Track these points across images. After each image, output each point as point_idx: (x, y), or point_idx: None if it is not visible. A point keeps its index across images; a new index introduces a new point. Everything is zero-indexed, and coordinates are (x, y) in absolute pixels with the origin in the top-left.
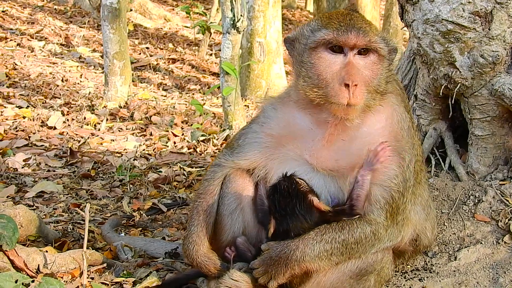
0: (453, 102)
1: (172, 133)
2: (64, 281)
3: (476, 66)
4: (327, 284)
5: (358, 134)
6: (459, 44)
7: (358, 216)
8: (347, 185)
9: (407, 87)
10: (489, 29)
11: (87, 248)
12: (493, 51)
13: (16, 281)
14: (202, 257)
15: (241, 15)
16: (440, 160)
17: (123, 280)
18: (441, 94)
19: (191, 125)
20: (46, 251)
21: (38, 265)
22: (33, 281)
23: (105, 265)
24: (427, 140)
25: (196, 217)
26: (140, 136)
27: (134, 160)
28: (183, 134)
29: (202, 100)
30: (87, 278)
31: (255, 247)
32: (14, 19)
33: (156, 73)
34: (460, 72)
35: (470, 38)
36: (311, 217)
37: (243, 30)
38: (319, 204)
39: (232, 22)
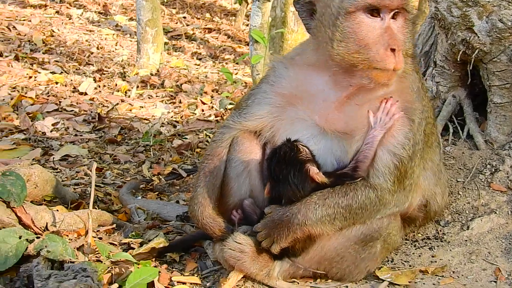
0: (471, 68)
1: (201, 101)
2: (69, 239)
3: (495, 31)
4: (331, 249)
5: (371, 97)
6: (477, 8)
7: (361, 179)
8: (353, 148)
9: (427, 53)
10: None
11: (98, 208)
12: None
13: (20, 237)
14: (207, 219)
15: None
16: (458, 128)
17: (131, 241)
18: (459, 60)
19: (221, 93)
20: (57, 210)
21: (46, 223)
22: (38, 238)
23: (114, 225)
24: (446, 108)
25: (202, 178)
26: (170, 103)
27: (161, 126)
28: (211, 102)
29: (235, 69)
30: (95, 238)
31: (261, 210)
32: None
33: (191, 43)
34: (478, 37)
35: (488, 1)
36: (303, 187)
37: None
38: (315, 175)
39: None
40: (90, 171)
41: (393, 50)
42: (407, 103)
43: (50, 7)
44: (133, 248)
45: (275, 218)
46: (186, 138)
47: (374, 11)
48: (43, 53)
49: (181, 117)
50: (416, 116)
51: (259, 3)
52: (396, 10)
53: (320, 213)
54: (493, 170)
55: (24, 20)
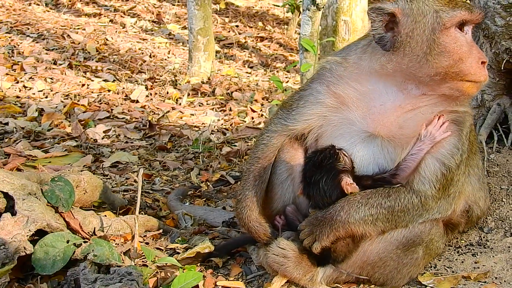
0: None
1: (251, 108)
2: (115, 244)
3: None
4: (373, 254)
5: (420, 115)
6: None
7: (399, 184)
8: (400, 155)
9: None
10: None
11: (146, 214)
12: None
13: (67, 241)
14: (253, 222)
15: None
16: (503, 135)
17: (177, 247)
18: (503, 68)
19: (271, 101)
20: (105, 215)
21: (94, 228)
22: (85, 242)
23: (161, 231)
24: (490, 116)
25: (251, 181)
26: (220, 111)
27: (210, 134)
28: (261, 110)
29: (285, 77)
30: (142, 242)
31: (305, 216)
32: None
33: (243, 51)
34: None
35: None
36: (331, 194)
37: (323, 7)
38: (346, 185)
39: None
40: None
41: (483, 63)
42: (457, 113)
43: (104, 16)
44: (179, 253)
45: (319, 215)
46: (235, 146)
47: (461, 25)
48: (97, 61)
49: (230, 125)
50: (465, 126)
51: (309, 12)
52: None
53: (362, 212)
54: None
55: (78, 28)
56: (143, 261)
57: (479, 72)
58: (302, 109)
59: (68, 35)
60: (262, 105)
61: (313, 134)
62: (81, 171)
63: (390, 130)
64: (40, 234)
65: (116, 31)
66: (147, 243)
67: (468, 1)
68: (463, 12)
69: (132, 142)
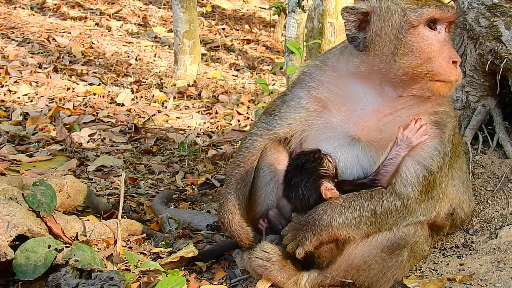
0: (501, 78)
1: (237, 111)
2: (98, 249)
3: None
4: (358, 257)
5: (398, 119)
6: (505, 18)
7: (387, 186)
8: (380, 160)
9: None
10: None
11: (131, 218)
12: None
13: (49, 247)
14: (235, 226)
15: None
16: (488, 137)
17: (160, 251)
18: (488, 69)
19: (258, 104)
20: (88, 220)
21: (76, 233)
22: (67, 247)
23: (144, 235)
24: (476, 117)
25: (233, 185)
26: (206, 114)
27: (196, 137)
28: (247, 113)
29: (272, 80)
30: (125, 247)
31: (288, 220)
32: (95, 0)
33: (230, 54)
34: (506, 47)
35: None
36: (310, 198)
37: (309, 9)
38: (325, 190)
39: (297, 1)
40: (124, 181)
41: (454, 62)
42: (439, 115)
43: (90, 19)
44: (163, 258)
45: (302, 220)
46: (221, 148)
47: (432, 24)
48: (82, 64)
49: (216, 128)
50: (446, 128)
51: (295, 14)
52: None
53: (345, 216)
54: None
55: (64, 32)
56: (126, 266)
57: (450, 72)
58: (284, 114)
59: (54, 39)
60: (248, 107)
61: (296, 138)
62: (65, 175)
63: (370, 135)
64: (21, 239)
65: (102, 35)
66: (130, 248)
67: (452, 2)
68: (431, 10)
69: (117, 146)
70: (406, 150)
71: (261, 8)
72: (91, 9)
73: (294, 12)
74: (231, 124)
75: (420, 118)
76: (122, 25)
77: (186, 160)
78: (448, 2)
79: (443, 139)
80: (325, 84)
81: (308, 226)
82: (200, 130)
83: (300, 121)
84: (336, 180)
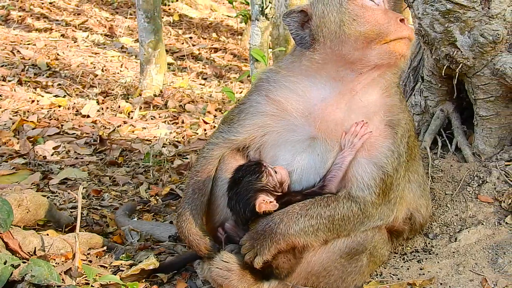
0: (456, 82)
1: (203, 120)
2: (56, 263)
3: (477, 46)
4: (317, 264)
5: (360, 103)
6: (459, 23)
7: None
8: (329, 163)
9: (416, 68)
10: (489, 8)
11: (93, 231)
12: (493, 30)
13: (5, 263)
14: (194, 236)
15: (269, 2)
16: (447, 141)
17: (121, 263)
18: (444, 74)
19: (224, 112)
20: (47, 234)
21: (35, 248)
22: (24, 263)
23: (105, 248)
24: (434, 122)
25: (191, 194)
26: (172, 124)
27: (162, 147)
28: (214, 122)
29: (240, 88)
30: (85, 261)
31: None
32: (60, 11)
33: (197, 62)
34: (461, 52)
35: (469, 17)
36: (246, 211)
37: (272, 17)
38: (261, 204)
39: (260, 9)
40: (88, 194)
41: (402, 20)
42: (391, 116)
43: (56, 31)
44: (123, 270)
45: (259, 229)
46: (186, 158)
47: None
48: (47, 76)
49: (183, 137)
50: (399, 128)
51: (258, 22)
52: None
53: (302, 223)
54: (481, 182)
55: (29, 44)
56: (85, 280)
57: (400, 28)
58: (243, 122)
59: (18, 51)
60: (215, 116)
61: (255, 145)
62: (25, 189)
63: (329, 126)
64: None
65: (67, 46)
66: (90, 261)
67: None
68: None
69: (82, 158)
70: (352, 154)
71: (228, 16)
72: (57, 20)
73: (257, 20)
74: (197, 134)
75: (362, 121)
76: (88, 35)
77: (151, 171)
78: (404, 9)
79: (396, 139)
80: (283, 83)
81: (265, 235)
82: (166, 140)
83: (259, 126)
84: (281, 192)
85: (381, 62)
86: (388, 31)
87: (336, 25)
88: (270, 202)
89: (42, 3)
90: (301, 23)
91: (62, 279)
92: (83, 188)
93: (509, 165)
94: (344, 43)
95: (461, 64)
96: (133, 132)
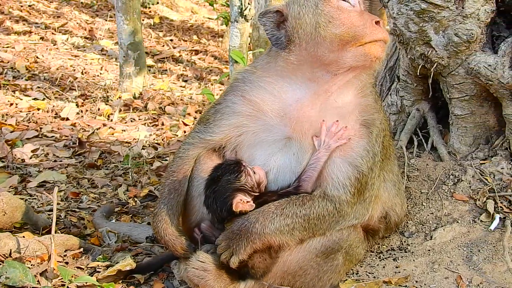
0: (431, 82)
1: (183, 122)
2: (31, 265)
3: (451, 45)
4: (293, 264)
5: (334, 104)
6: (433, 23)
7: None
8: (304, 163)
9: (392, 68)
10: (463, 8)
11: (69, 233)
12: (467, 29)
13: None
14: (170, 236)
15: (248, 4)
16: (423, 140)
17: (98, 265)
18: (419, 74)
19: None
20: (23, 236)
21: (10, 250)
22: None
23: (81, 249)
24: (410, 121)
25: (166, 195)
26: (152, 126)
27: (142, 149)
28: (193, 124)
29: (220, 90)
30: (61, 262)
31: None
32: (40, 13)
33: (178, 65)
34: (436, 51)
35: (444, 17)
36: (223, 209)
37: (251, 19)
38: (237, 203)
39: (239, 11)
40: (66, 196)
41: (377, 22)
42: (366, 115)
43: (35, 34)
44: (100, 272)
45: (234, 229)
46: (166, 160)
47: None
48: (26, 79)
49: (162, 139)
50: (374, 128)
51: (237, 23)
52: None
53: (278, 223)
54: (456, 181)
55: (7, 47)
56: (61, 282)
57: (375, 30)
58: (219, 122)
59: None
60: (195, 118)
61: (231, 145)
62: (1, 192)
63: (304, 126)
64: None
65: (47, 49)
66: (67, 263)
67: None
68: None
69: (61, 161)
70: (326, 155)
71: (209, 18)
72: (36, 23)
73: (237, 22)
74: (177, 136)
75: (337, 121)
76: (68, 38)
77: (130, 173)
78: (379, 9)
79: (371, 138)
80: (258, 84)
81: (241, 235)
82: (146, 143)
83: (235, 127)
84: (258, 192)
85: (356, 64)
86: (364, 34)
87: (312, 27)
88: (247, 202)
89: (21, 6)
90: (277, 23)
91: (38, 281)
92: (61, 190)
93: (484, 163)
94: (320, 45)
95: (436, 64)
96: (112, 134)
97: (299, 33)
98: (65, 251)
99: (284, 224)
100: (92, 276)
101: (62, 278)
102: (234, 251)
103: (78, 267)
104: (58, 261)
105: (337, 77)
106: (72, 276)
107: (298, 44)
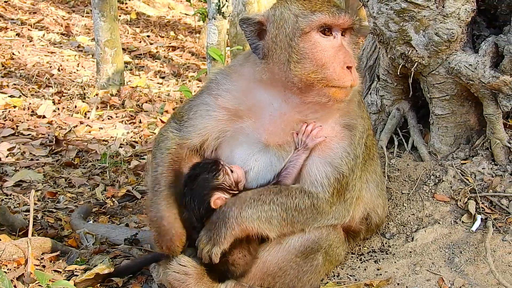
0: (412, 81)
1: (161, 120)
2: (8, 269)
3: (432, 45)
4: (273, 264)
5: (323, 113)
6: (413, 22)
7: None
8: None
9: (372, 67)
10: (443, 7)
11: (46, 234)
12: (448, 29)
13: None
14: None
15: (226, 0)
16: (403, 140)
17: (75, 268)
18: (399, 73)
19: None
20: None
21: None
22: None
23: (59, 252)
24: (390, 121)
25: (157, 187)
26: (130, 123)
27: (119, 147)
28: None
29: (198, 87)
30: (39, 266)
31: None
32: (16, 9)
33: (155, 61)
34: (416, 51)
35: (424, 16)
36: (201, 208)
37: (229, 16)
38: (216, 200)
39: (217, 8)
40: (43, 196)
41: (349, 67)
42: (349, 117)
43: (11, 30)
44: (77, 275)
45: (214, 218)
46: (143, 159)
47: (326, 30)
48: (2, 76)
49: (140, 137)
50: (357, 130)
51: (215, 21)
52: (346, 28)
53: (255, 207)
54: (437, 181)
55: None
56: (39, 286)
57: (344, 77)
58: (193, 121)
59: None
60: None
61: (210, 146)
62: None
63: (280, 140)
64: None
65: (23, 45)
66: (44, 266)
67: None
68: (322, 16)
69: (37, 159)
70: (306, 153)
71: (186, 14)
72: (12, 19)
73: (214, 19)
74: (155, 133)
75: (314, 122)
76: (44, 34)
77: (107, 172)
78: (359, 8)
79: (353, 141)
80: (233, 93)
81: (220, 223)
82: (124, 141)
83: (211, 129)
84: (236, 191)
85: (317, 101)
86: (331, 78)
87: (284, 57)
88: (226, 198)
89: None
90: (258, 32)
91: (14, 286)
92: (38, 190)
93: (465, 163)
94: (288, 76)
95: (416, 63)
96: (89, 132)
97: (273, 56)
98: (42, 254)
99: (261, 210)
100: (69, 280)
101: (39, 283)
102: (215, 240)
103: (55, 271)
104: (35, 265)
105: (305, 105)
106: (49, 281)
107: (271, 64)
